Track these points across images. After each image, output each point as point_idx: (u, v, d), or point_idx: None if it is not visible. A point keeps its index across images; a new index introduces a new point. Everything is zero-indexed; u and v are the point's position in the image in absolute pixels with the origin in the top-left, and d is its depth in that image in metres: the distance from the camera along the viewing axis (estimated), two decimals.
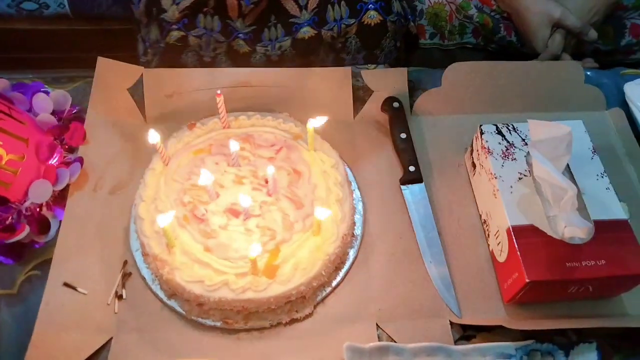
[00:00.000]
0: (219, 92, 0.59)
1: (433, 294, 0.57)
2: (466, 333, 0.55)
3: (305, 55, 0.82)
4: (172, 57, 0.82)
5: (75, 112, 0.67)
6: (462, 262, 0.60)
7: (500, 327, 0.54)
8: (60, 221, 0.60)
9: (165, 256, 0.53)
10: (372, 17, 0.80)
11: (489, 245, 0.60)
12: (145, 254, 0.55)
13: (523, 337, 0.54)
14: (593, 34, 0.81)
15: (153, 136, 0.56)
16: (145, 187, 0.58)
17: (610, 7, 0.85)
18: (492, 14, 0.90)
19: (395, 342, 0.53)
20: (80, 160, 0.62)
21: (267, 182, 0.58)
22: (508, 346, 0.52)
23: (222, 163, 0.60)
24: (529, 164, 0.58)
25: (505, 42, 0.92)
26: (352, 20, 0.80)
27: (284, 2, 0.81)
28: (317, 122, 0.58)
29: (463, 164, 0.67)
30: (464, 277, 0.58)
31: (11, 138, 0.58)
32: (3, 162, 0.57)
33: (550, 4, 0.80)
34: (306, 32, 0.80)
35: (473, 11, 0.90)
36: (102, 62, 0.67)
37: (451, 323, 0.55)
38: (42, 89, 0.69)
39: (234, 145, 0.56)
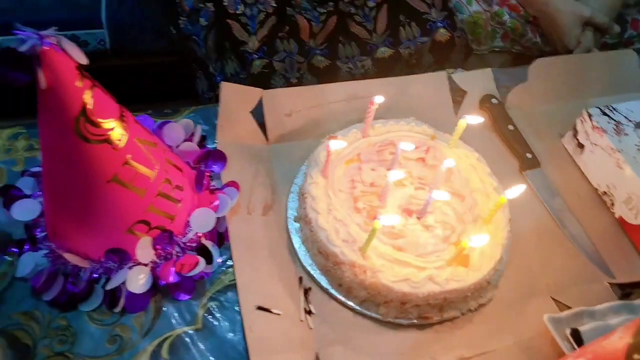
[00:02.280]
0: (377, 97, 0.61)
1: (584, 262, 0.63)
2: (625, 291, 0.62)
3: (385, 71, 0.86)
4: (257, 84, 0.83)
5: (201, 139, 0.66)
6: (594, 230, 0.66)
7: None
8: (219, 249, 0.59)
9: (362, 262, 0.54)
10: (442, 34, 0.88)
11: (613, 212, 0.67)
12: (336, 264, 0.56)
13: None
14: (617, 28, 0.93)
15: (336, 144, 0.57)
16: (315, 201, 0.58)
17: (623, 4, 0.98)
18: (520, 19, 1.01)
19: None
20: (236, 185, 0.61)
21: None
22: None
23: (379, 168, 0.62)
24: None
25: (530, 44, 1.03)
26: (426, 39, 0.87)
27: (351, 26, 0.86)
28: (472, 120, 0.62)
29: (562, 147, 0.75)
30: (601, 243, 0.65)
31: (174, 168, 0.56)
32: (171, 194, 0.55)
33: (579, 5, 0.92)
34: (384, 51, 0.86)
35: (506, 17, 1.00)
36: (226, 87, 0.67)
37: (610, 284, 0.62)
38: (151, 124, 0.67)
39: (407, 146, 0.59)
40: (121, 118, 0.48)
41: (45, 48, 0.40)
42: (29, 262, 0.54)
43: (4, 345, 0.46)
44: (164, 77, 1.03)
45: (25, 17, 0.93)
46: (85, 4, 0.97)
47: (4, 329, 0.51)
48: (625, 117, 0.69)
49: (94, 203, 0.49)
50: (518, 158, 0.72)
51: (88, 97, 0.44)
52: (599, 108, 0.70)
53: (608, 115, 0.69)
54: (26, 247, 0.55)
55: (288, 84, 0.84)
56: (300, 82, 0.84)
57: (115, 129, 0.47)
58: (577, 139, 0.72)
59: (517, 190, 0.56)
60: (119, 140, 0.47)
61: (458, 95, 0.78)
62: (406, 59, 0.87)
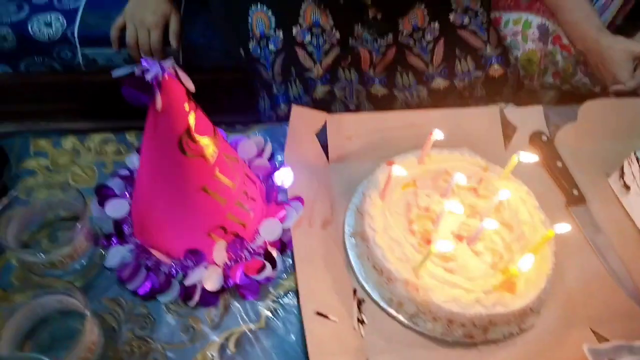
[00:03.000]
0: (436, 131, 0.66)
1: (624, 298, 0.66)
2: None
3: (439, 102, 0.91)
4: (318, 108, 0.89)
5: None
6: (635, 269, 0.69)
7: None
8: (282, 257, 0.65)
9: (415, 280, 0.59)
10: (495, 69, 0.92)
11: None
12: (389, 280, 0.61)
13: None
14: None
15: (398, 170, 0.62)
16: (373, 220, 0.64)
17: None
18: (571, 58, 1.04)
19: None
20: (301, 199, 0.67)
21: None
22: None
23: (433, 195, 0.67)
24: None
25: (580, 84, 1.06)
26: (480, 73, 0.92)
27: (409, 57, 0.91)
28: (526, 157, 0.66)
29: (608, 187, 0.78)
30: (639, 279, 0.68)
31: (250, 181, 0.63)
32: (246, 204, 0.61)
33: (630, 41, 0.94)
34: (439, 83, 0.91)
35: (559, 57, 1.03)
36: (296, 110, 0.73)
37: None
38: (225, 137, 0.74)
39: (461, 178, 0.64)
40: (215, 136, 0.54)
41: (166, 77, 0.47)
42: (117, 255, 0.61)
43: (97, 324, 0.53)
44: (228, 92, 1.11)
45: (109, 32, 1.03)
46: None
47: (95, 311, 0.57)
48: None
49: (184, 207, 0.56)
50: (565, 194, 0.75)
51: (192, 119, 0.51)
52: None
53: None
54: (114, 240, 0.63)
55: (347, 110, 0.89)
56: (358, 109, 0.90)
57: (210, 146, 0.53)
58: (624, 180, 0.75)
59: (564, 227, 0.60)
60: (212, 155, 0.54)
61: (509, 130, 0.82)
62: (460, 91, 0.92)
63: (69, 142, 0.73)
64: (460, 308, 0.58)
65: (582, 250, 0.70)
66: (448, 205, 0.60)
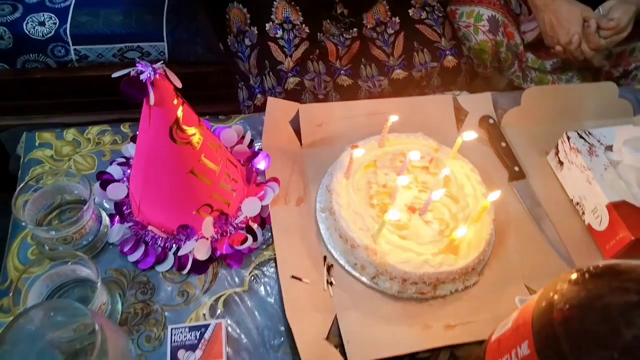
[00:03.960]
0: (392, 116, 0.76)
1: (555, 258, 0.77)
2: None
3: (399, 91, 1.01)
4: (290, 98, 0.98)
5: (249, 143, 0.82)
6: (566, 233, 0.80)
7: None
8: (262, 230, 0.75)
9: (373, 246, 0.70)
10: (449, 60, 1.02)
11: (584, 220, 0.82)
12: (352, 247, 0.71)
13: None
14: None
15: (358, 152, 0.73)
16: (339, 196, 0.74)
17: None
18: (512, 48, 1.14)
19: None
20: (277, 180, 0.76)
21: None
22: None
23: (390, 173, 0.77)
24: (609, 159, 0.80)
25: (514, 76, 1.17)
26: (435, 64, 1.01)
27: (372, 49, 1.01)
28: (467, 136, 0.77)
29: (547, 163, 0.89)
30: (571, 244, 0.79)
31: (231, 165, 0.72)
32: (228, 185, 0.71)
33: (583, 6, 0.99)
34: (399, 73, 1.00)
35: (503, 48, 1.14)
36: (271, 101, 0.82)
37: None
38: (209, 126, 0.83)
39: (415, 155, 0.74)
40: (199, 126, 0.64)
41: (157, 77, 0.56)
42: (118, 232, 0.71)
43: (105, 289, 0.63)
44: (210, 84, 1.20)
45: (101, 30, 1.10)
46: (150, 21, 1.14)
47: (103, 279, 0.67)
48: (598, 141, 0.83)
49: (175, 188, 0.66)
50: (508, 170, 0.86)
51: (180, 112, 0.60)
52: (576, 132, 0.84)
53: (584, 139, 0.83)
54: (116, 220, 0.72)
55: (316, 99, 0.99)
56: (326, 99, 0.99)
57: (196, 135, 0.63)
58: (558, 157, 0.86)
59: (494, 195, 0.71)
60: (197, 142, 0.63)
61: (462, 114, 0.92)
62: (417, 81, 1.02)
63: (70, 134, 0.81)
64: (411, 268, 0.69)
65: (522, 220, 0.81)
66: (401, 180, 0.71)
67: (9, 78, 1.12)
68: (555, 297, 0.39)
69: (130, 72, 0.56)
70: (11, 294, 0.56)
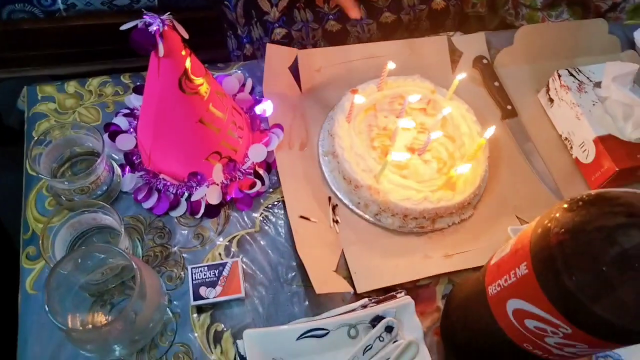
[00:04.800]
0: (390, 63, 0.78)
1: (544, 191, 0.83)
2: None
3: (388, 35, 1.02)
4: None
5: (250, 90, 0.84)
6: (555, 167, 0.85)
7: None
8: (269, 175, 0.78)
9: (376, 185, 0.74)
10: (438, 2, 1.02)
11: (571, 154, 0.86)
12: (356, 187, 0.75)
13: None
14: None
15: (358, 99, 0.75)
16: (342, 139, 0.77)
17: None
18: None
19: None
20: (281, 126, 0.79)
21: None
22: None
23: (390, 116, 0.80)
24: (598, 95, 0.84)
25: (506, 14, 1.17)
26: (424, 6, 1.01)
27: None
28: (459, 76, 0.79)
29: (537, 101, 0.92)
30: (559, 177, 0.84)
31: (237, 113, 0.74)
32: (235, 133, 0.73)
33: None
34: (388, 16, 1.00)
35: None
36: (270, 48, 0.83)
37: None
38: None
39: (414, 98, 0.77)
40: (206, 75, 0.65)
41: (165, 28, 0.57)
42: (131, 181, 0.73)
43: (127, 235, 0.66)
44: (201, 31, 1.18)
45: None
46: None
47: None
48: (587, 78, 0.86)
49: (185, 137, 0.68)
50: (500, 109, 0.90)
51: (188, 62, 0.61)
52: (567, 69, 0.87)
53: (574, 76, 0.86)
54: (127, 169, 0.75)
55: (304, 49, 0.99)
56: (315, 47, 0.99)
57: (203, 84, 0.64)
58: (549, 95, 0.89)
59: (489, 132, 0.75)
60: (205, 92, 0.65)
61: (456, 55, 0.94)
62: (406, 25, 1.02)
63: (71, 86, 0.82)
64: (412, 204, 0.73)
65: (513, 156, 0.86)
66: (401, 122, 0.74)
67: None
68: (551, 223, 0.43)
69: (137, 24, 0.56)
70: (41, 242, 0.59)
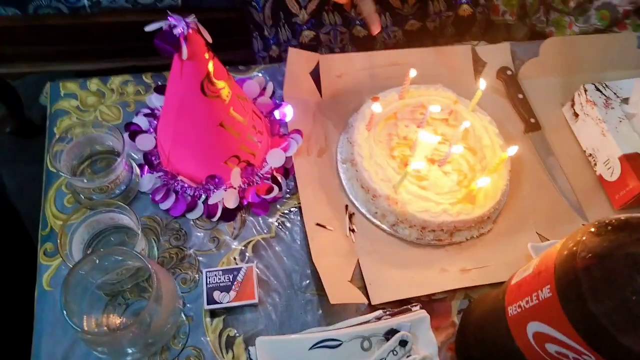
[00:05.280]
0: (412, 70, 0.77)
1: (566, 208, 0.81)
2: None
3: (413, 42, 1.01)
4: None
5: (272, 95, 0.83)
6: (578, 184, 0.83)
7: None
8: (286, 181, 0.78)
9: (394, 196, 0.73)
10: (465, 9, 1.01)
11: (595, 171, 0.84)
12: (374, 197, 0.74)
13: None
14: None
15: (376, 107, 0.74)
16: (361, 148, 0.76)
17: None
18: None
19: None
20: (300, 132, 0.78)
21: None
22: None
23: (411, 125, 0.79)
24: (625, 112, 0.82)
25: (538, 21, 1.15)
26: (450, 13, 1.00)
27: None
28: (482, 85, 0.78)
29: (562, 115, 0.91)
30: (582, 194, 0.82)
31: (257, 117, 0.74)
32: (254, 137, 0.73)
33: None
34: (413, 24, 0.99)
35: None
36: (292, 52, 0.83)
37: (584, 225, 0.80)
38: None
39: (435, 108, 0.76)
40: (228, 79, 0.65)
41: (190, 31, 0.57)
42: (149, 181, 0.74)
43: (143, 236, 0.66)
44: (225, 32, 1.18)
45: None
46: None
47: None
48: (615, 94, 0.84)
49: (205, 140, 0.68)
50: (524, 122, 0.88)
51: (211, 66, 0.61)
52: (594, 84, 0.85)
53: (600, 91, 0.84)
54: (145, 169, 0.75)
55: (332, 53, 0.98)
56: (342, 51, 0.99)
57: (225, 88, 0.64)
58: (574, 109, 0.88)
59: (513, 149, 0.73)
60: (227, 96, 0.65)
61: (480, 65, 0.93)
62: (431, 32, 1.01)
63: (93, 84, 0.82)
64: (430, 217, 0.72)
65: (535, 170, 0.84)
66: (422, 135, 0.73)
67: (21, 24, 1.11)
68: (577, 247, 0.42)
69: (162, 26, 0.56)
70: (59, 240, 0.59)
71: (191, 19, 0.57)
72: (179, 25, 0.56)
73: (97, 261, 0.54)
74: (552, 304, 0.44)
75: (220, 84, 0.63)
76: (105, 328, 0.57)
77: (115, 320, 0.59)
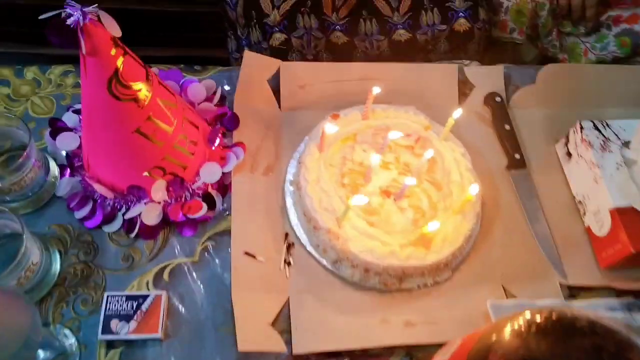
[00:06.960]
0: (375, 88, 0.68)
1: (543, 260, 0.70)
2: (571, 293, 0.68)
3: (399, 54, 0.90)
4: (275, 57, 0.88)
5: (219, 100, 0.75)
6: (561, 233, 0.72)
7: (598, 287, 0.68)
8: (222, 199, 0.69)
9: (337, 230, 0.63)
10: (461, 24, 0.90)
11: (584, 222, 0.73)
12: (315, 228, 0.65)
13: (616, 295, 0.67)
14: None
15: (330, 127, 0.65)
16: (308, 171, 0.67)
17: None
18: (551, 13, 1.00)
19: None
20: (243, 145, 0.70)
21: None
22: (613, 302, 0.65)
23: (369, 150, 0.70)
24: (624, 157, 0.70)
25: (550, 45, 1.04)
26: (444, 27, 0.89)
27: (376, 0, 0.88)
28: (456, 114, 0.68)
29: (554, 153, 0.79)
30: (564, 246, 0.71)
31: (190, 126, 0.66)
32: (185, 147, 0.65)
33: None
34: (402, 34, 0.89)
35: (544, 12, 1.00)
36: (248, 55, 0.74)
37: (560, 284, 0.68)
38: (180, 77, 0.76)
39: (394, 135, 0.66)
40: (147, 81, 0.57)
41: (87, 23, 0.48)
42: (67, 185, 0.66)
43: (40, 247, 0.58)
44: (201, 26, 1.11)
45: None
46: None
47: (42, 235, 0.63)
48: (615, 135, 0.72)
49: (120, 148, 0.60)
50: (508, 157, 0.77)
51: (120, 63, 0.53)
52: (592, 121, 0.73)
53: (599, 130, 0.72)
54: (66, 172, 0.67)
55: (304, 60, 0.89)
56: (316, 59, 0.89)
57: (142, 90, 0.56)
58: (568, 148, 0.76)
59: (475, 188, 0.63)
60: (144, 99, 0.57)
61: (467, 88, 0.82)
62: (422, 45, 0.90)
63: (30, 72, 0.75)
64: (374, 258, 0.62)
65: (513, 213, 0.73)
66: (373, 158, 0.63)
67: None
68: (495, 345, 0.32)
69: (60, 13, 0.48)
70: None
71: (91, 8, 0.49)
72: (75, 16, 0.48)
73: None
74: None
75: (135, 85, 0.55)
76: None
77: None
